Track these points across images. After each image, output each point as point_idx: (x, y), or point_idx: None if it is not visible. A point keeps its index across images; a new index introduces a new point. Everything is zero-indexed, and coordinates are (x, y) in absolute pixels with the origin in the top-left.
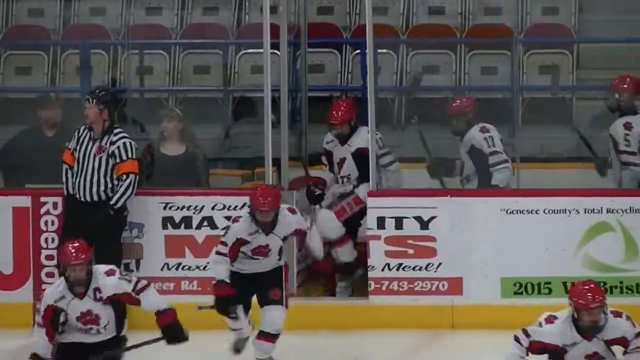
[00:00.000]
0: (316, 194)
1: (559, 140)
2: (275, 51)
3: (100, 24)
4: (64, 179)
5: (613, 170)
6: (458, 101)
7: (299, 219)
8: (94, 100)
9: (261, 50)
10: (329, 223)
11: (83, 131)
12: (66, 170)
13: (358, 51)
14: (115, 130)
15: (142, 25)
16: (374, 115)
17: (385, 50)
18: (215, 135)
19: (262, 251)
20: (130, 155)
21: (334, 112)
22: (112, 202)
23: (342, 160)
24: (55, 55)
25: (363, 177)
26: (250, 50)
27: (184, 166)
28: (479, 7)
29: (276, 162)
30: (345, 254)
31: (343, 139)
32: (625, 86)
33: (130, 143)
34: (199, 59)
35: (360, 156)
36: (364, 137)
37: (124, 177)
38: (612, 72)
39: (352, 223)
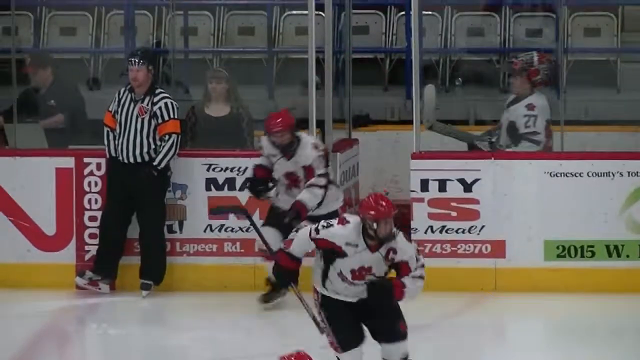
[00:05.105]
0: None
1: (603, 103)
2: (320, 12)
3: None
4: (105, 142)
5: None
6: None
7: (315, 156)
8: (142, 62)
9: (306, 12)
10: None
11: (124, 93)
12: (107, 132)
13: (403, 13)
14: (157, 91)
15: None
16: (418, 77)
17: (430, 12)
18: (259, 96)
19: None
20: (172, 115)
21: (273, 120)
22: (155, 162)
23: (290, 174)
24: (100, 15)
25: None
26: (294, 12)
27: (228, 127)
28: None
29: (320, 124)
30: None
31: (285, 151)
32: None
33: (172, 103)
34: (244, 20)
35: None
36: (308, 155)
37: (167, 137)
38: None
39: None
